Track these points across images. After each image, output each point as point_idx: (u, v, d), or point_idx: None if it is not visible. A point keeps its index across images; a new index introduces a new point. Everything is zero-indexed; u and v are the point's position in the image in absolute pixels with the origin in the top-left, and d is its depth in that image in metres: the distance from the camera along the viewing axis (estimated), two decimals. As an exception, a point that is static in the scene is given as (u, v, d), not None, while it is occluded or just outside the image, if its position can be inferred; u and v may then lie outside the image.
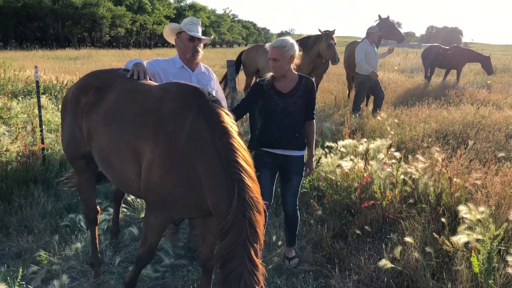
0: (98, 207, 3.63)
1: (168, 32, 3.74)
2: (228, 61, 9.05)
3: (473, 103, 9.94)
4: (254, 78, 10.39)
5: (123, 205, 4.65)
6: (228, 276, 2.20)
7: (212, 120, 2.51)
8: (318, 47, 9.28)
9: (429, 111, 8.74)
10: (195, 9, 75.00)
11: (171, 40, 3.76)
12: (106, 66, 20.74)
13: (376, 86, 8.85)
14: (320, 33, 9.32)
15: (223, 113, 2.58)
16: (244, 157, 2.47)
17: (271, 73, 3.60)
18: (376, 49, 8.93)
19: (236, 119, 3.39)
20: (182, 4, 75.44)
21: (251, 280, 2.20)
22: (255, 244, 2.28)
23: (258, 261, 2.27)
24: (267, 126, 3.56)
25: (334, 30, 9.77)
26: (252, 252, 2.25)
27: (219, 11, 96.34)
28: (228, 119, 2.58)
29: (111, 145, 2.86)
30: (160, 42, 65.69)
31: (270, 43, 3.53)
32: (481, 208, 3.51)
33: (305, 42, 9.37)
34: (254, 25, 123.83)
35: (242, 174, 2.38)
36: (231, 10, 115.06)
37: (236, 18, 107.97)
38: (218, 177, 2.38)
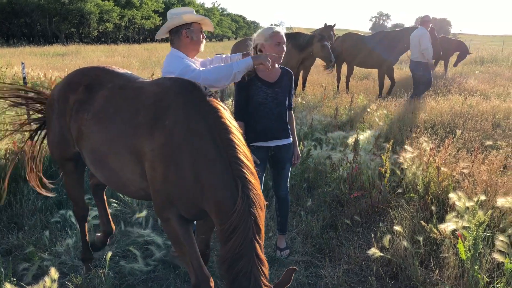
0: (86, 204, 3.62)
1: (174, 25, 3.23)
2: (217, 54, 9.02)
3: (461, 93, 10.03)
4: None
5: (113, 200, 4.65)
6: (237, 276, 2.19)
7: (211, 116, 2.45)
8: (311, 48, 9.34)
9: (418, 101, 8.80)
10: (184, 3, 74.33)
11: (164, 35, 3.37)
12: (94, 61, 20.61)
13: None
14: (314, 33, 9.44)
15: (221, 108, 2.52)
16: (245, 153, 2.43)
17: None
18: None
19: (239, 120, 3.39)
20: (171, -2, 74.91)
21: (260, 277, 2.21)
22: (260, 240, 2.28)
23: (264, 257, 2.27)
24: (258, 119, 3.50)
25: (335, 24, 9.88)
26: (258, 249, 2.25)
27: (208, 5, 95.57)
28: (227, 115, 2.52)
29: (107, 145, 2.76)
30: (149, 37, 65.14)
31: (266, 29, 3.43)
32: (475, 198, 3.56)
33: (298, 39, 9.38)
34: (244, 18, 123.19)
35: (244, 171, 2.34)
36: (220, 4, 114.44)
37: (225, 12, 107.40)
38: (220, 174, 2.34)
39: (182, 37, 3.23)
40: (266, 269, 2.26)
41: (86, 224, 3.62)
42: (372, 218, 4.36)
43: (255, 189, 2.34)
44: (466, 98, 9.03)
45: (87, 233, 3.61)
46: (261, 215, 2.34)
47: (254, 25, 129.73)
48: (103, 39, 55.98)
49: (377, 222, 4.24)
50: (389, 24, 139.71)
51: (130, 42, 54.50)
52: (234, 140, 2.41)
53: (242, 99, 3.50)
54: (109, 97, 2.87)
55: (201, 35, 3.31)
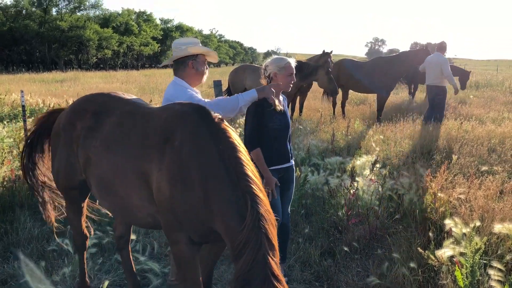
0: (87, 232, 3.61)
1: (183, 54, 3.29)
2: (214, 81, 9.15)
3: (456, 118, 10.11)
4: None
5: (108, 228, 4.62)
6: None
7: (219, 136, 2.48)
8: (315, 78, 9.56)
9: (414, 126, 8.87)
10: (182, 30, 75.62)
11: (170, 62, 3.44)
12: (93, 88, 20.77)
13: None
14: (318, 63, 9.72)
15: (230, 129, 2.56)
16: (253, 171, 2.43)
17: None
18: None
19: (253, 149, 3.48)
20: (169, 25, 76.02)
21: None
22: (274, 258, 2.17)
23: (281, 275, 2.14)
24: (273, 144, 3.65)
25: (331, 51, 10.15)
26: (273, 265, 2.13)
27: (206, 32, 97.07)
28: (235, 135, 2.55)
29: (114, 171, 2.75)
30: (147, 63, 65.95)
31: (279, 59, 3.64)
32: (471, 224, 3.58)
33: (303, 69, 9.62)
34: (241, 44, 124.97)
35: (253, 186, 2.32)
36: (217, 31, 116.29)
37: (223, 38, 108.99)
38: (228, 190, 2.32)
39: (188, 68, 3.30)
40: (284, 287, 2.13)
41: (85, 252, 3.60)
42: (370, 245, 4.35)
43: (265, 205, 2.30)
44: (461, 123, 9.11)
45: (85, 262, 3.59)
46: (273, 232, 2.26)
47: (251, 51, 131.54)
48: (101, 66, 56.57)
49: (375, 248, 4.23)
50: (384, 49, 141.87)
51: (129, 68, 55.05)
52: (242, 158, 2.42)
53: (256, 127, 3.58)
54: (118, 123, 2.88)
55: (205, 67, 3.39)
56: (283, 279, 2.13)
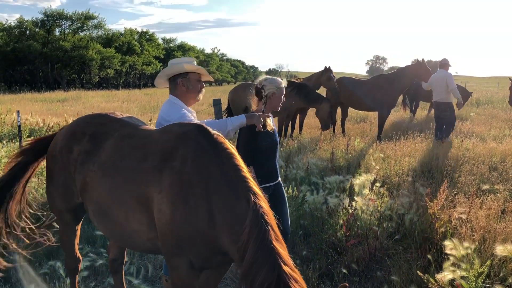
0: (79, 255, 3.53)
1: (169, 74, 3.34)
2: (214, 100, 9.12)
3: (457, 135, 10.04)
4: None
5: (102, 250, 4.54)
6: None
7: (219, 152, 2.46)
8: (319, 106, 9.90)
9: (414, 144, 8.80)
10: (184, 49, 76.24)
11: (163, 84, 3.46)
12: (94, 107, 20.83)
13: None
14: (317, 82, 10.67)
15: (228, 143, 2.55)
16: (253, 180, 2.41)
17: (255, 110, 3.76)
18: None
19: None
20: (171, 44, 76.73)
21: (293, 284, 1.94)
22: (282, 248, 2.08)
23: (292, 264, 2.04)
24: (265, 161, 3.74)
25: (329, 67, 10.58)
26: (283, 254, 2.04)
27: (208, 51, 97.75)
28: (234, 150, 2.54)
29: (112, 196, 2.70)
30: (149, 82, 66.26)
31: (276, 80, 3.75)
32: (466, 244, 3.48)
33: (310, 93, 9.98)
34: (243, 63, 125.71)
35: (254, 186, 2.32)
36: (219, 50, 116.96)
37: (224, 57, 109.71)
38: (232, 201, 2.28)
39: (178, 86, 3.31)
40: (298, 276, 2.01)
41: (77, 276, 3.52)
42: (369, 267, 4.24)
43: (266, 205, 2.27)
44: (462, 140, 9.04)
45: (77, 286, 3.50)
46: (277, 230, 2.18)
47: (253, 70, 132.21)
48: (104, 85, 56.93)
49: (374, 270, 4.12)
50: (385, 67, 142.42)
51: (131, 87, 55.42)
52: (240, 164, 2.42)
53: (249, 145, 3.65)
54: (116, 146, 2.83)
55: (199, 85, 3.36)
56: (292, 264, 2.04)
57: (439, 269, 3.60)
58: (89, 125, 3.08)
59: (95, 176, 2.80)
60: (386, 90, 10.67)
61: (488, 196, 5.09)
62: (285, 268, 1.99)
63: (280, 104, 3.76)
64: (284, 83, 3.77)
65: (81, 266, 3.64)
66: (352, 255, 4.36)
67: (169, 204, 2.40)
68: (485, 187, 5.23)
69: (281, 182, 3.95)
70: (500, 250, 3.39)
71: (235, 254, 2.21)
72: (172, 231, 2.41)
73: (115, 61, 57.05)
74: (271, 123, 3.73)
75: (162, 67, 64.95)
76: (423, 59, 10.69)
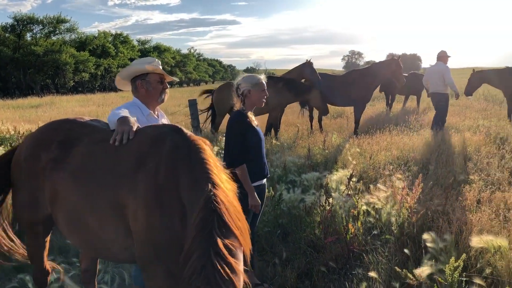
0: (49, 267, 3.38)
1: (128, 75, 3.24)
2: (190, 100, 9.02)
3: (432, 126, 10.11)
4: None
5: (75, 259, 4.39)
6: (191, 276, 1.90)
7: (189, 149, 2.38)
8: (309, 96, 9.95)
9: (390, 138, 8.82)
10: (160, 50, 75.48)
11: (126, 87, 3.35)
12: (69, 112, 20.43)
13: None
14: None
15: (203, 144, 2.45)
16: (219, 174, 2.32)
17: (237, 107, 3.80)
18: None
19: (239, 165, 3.54)
20: (146, 46, 75.86)
21: (217, 277, 1.86)
22: (224, 239, 2.00)
23: (228, 255, 1.96)
24: (256, 158, 3.76)
25: (310, 59, 11.02)
26: (220, 244, 1.96)
27: (184, 51, 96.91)
28: (210, 152, 2.44)
29: (85, 203, 2.57)
30: (125, 84, 65.48)
31: (251, 76, 3.79)
32: (446, 236, 3.47)
33: (297, 86, 10.01)
34: (220, 62, 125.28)
35: (212, 175, 2.23)
36: (196, 50, 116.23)
37: (201, 57, 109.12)
38: (196, 195, 2.18)
39: (138, 88, 3.20)
40: (233, 273, 1.91)
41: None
42: (348, 264, 4.20)
43: (224, 194, 2.18)
44: (437, 132, 9.10)
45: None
46: (230, 215, 2.10)
47: (230, 69, 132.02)
48: (79, 89, 56.01)
49: (353, 267, 4.08)
50: (361, 62, 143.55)
51: (107, 91, 54.62)
52: (207, 158, 2.33)
53: (240, 142, 3.66)
54: (87, 152, 2.71)
55: (160, 86, 3.24)
56: (234, 262, 1.95)
57: (418, 262, 3.58)
58: (57, 132, 2.94)
59: (65, 184, 2.68)
60: (361, 85, 10.70)
61: (464, 187, 5.10)
62: (214, 258, 1.93)
63: (263, 100, 3.76)
64: (263, 79, 3.77)
65: (50, 278, 3.50)
66: (331, 253, 4.32)
67: (144, 209, 2.30)
68: (461, 177, 5.24)
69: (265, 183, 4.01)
70: (476, 241, 3.39)
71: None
72: (148, 237, 2.31)
73: (89, 65, 56.11)
74: (254, 118, 3.79)
75: (138, 69, 64.42)
76: (398, 56, 10.78)
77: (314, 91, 9.76)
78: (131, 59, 64.98)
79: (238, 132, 3.66)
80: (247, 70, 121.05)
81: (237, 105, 3.83)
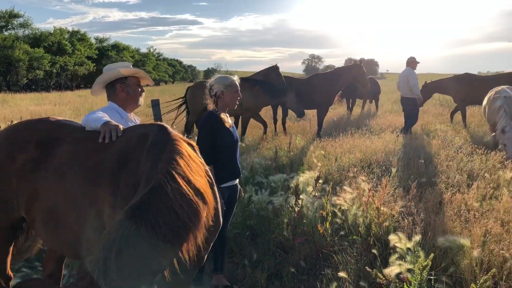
0: (11, 273, 3.24)
1: (109, 79, 3.16)
2: (152, 100, 8.89)
3: (393, 131, 10.42)
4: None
5: (37, 263, 4.23)
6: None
7: (167, 145, 2.32)
8: (285, 99, 10.03)
9: (353, 141, 9.02)
10: (118, 49, 73.79)
11: (100, 92, 3.28)
12: (23, 110, 19.62)
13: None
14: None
15: (184, 142, 2.42)
16: (193, 163, 2.29)
17: (210, 108, 3.80)
18: None
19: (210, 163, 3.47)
20: (105, 44, 74.01)
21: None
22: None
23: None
24: (229, 159, 3.79)
25: (277, 64, 10.89)
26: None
27: (143, 50, 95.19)
28: (190, 150, 2.41)
29: (66, 201, 2.51)
30: (82, 83, 63.68)
31: (224, 78, 3.77)
32: (416, 237, 3.58)
33: (273, 88, 10.06)
34: (180, 62, 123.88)
35: (172, 169, 2.14)
36: (155, 49, 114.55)
37: (161, 57, 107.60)
38: None
39: (118, 91, 3.16)
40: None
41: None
42: (317, 264, 4.26)
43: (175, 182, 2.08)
44: (398, 136, 9.38)
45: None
46: (187, 186, 2.06)
47: (191, 69, 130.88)
48: (33, 87, 53.99)
49: (322, 268, 4.14)
50: (321, 66, 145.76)
51: (63, 89, 52.90)
52: (179, 145, 2.29)
53: (210, 144, 3.66)
54: (70, 151, 2.64)
55: (139, 89, 3.24)
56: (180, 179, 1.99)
57: (385, 262, 3.68)
58: (33, 131, 2.84)
59: (47, 183, 2.61)
60: (324, 88, 10.88)
61: (426, 189, 5.28)
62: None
63: (236, 101, 3.78)
64: (236, 80, 3.78)
65: (12, 283, 3.36)
66: (300, 254, 4.37)
67: (122, 209, 2.21)
68: (423, 180, 5.43)
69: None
70: (442, 241, 3.52)
71: None
72: None
73: (44, 62, 54.10)
74: (228, 120, 3.81)
75: (95, 67, 62.70)
76: (360, 61, 11.05)
77: (290, 93, 9.86)
78: (89, 58, 63.38)
79: (208, 133, 3.67)
80: (207, 71, 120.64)
81: (210, 106, 3.83)
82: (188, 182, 2.11)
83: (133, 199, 1.99)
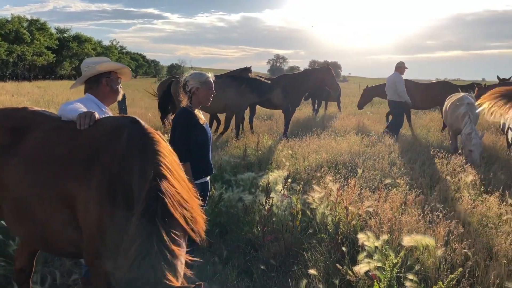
0: None
1: (97, 71, 3.13)
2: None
3: (357, 132, 10.66)
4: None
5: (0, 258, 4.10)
6: (134, 260, 1.89)
7: (144, 141, 2.35)
8: (271, 95, 10.11)
9: (319, 141, 9.18)
10: (80, 41, 71.65)
11: (77, 85, 3.26)
12: (-23, 100, 18.79)
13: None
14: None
15: (159, 137, 2.44)
16: (172, 161, 2.34)
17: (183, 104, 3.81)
18: None
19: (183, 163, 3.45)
20: (66, 35, 71.76)
21: (161, 263, 1.88)
22: (168, 227, 2.01)
23: (174, 246, 1.98)
24: (203, 156, 3.81)
25: (251, 66, 11.43)
26: (163, 232, 1.97)
27: (106, 43, 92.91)
28: (165, 144, 2.44)
29: (34, 192, 2.47)
30: (40, 74, 61.56)
31: (199, 74, 3.77)
32: (385, 236, 3.70)
33: (260, 86, 10.10)
34: (144, 57, 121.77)
35: (161, 166, 2.20)
36: (118, 42, 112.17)
37: (124, 50, 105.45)
38: (143, 187, 2.15)
39: (102, 86, 3.18)
40: (175, 260, 1.95)
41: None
42: (286, 262, 4.32)
43: (172, 184, 2.16)
44: (363, 137, 9.61)
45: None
46: (175, 204, 2.10)
47: (154, 64, 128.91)
48: (-13, 76, 51.74)
49: (291, 265, 4.21)
50: (285, 66, 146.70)
51: (20, 79, 50.94)
52: (161, 150, 2.31)
53: (184, 140, 3.67)
54: (41, 139, 2.62)
55: (119, 85, 3.28)
56: (174, 246, 1.98)
57: (353, 260, 3.78)
58: (7, 118, 2.83)
59: (16, 171, 2.57)
60: (292, 89, 11.00)
61: (390, 190, 5.45)
62: (163, 248, 1.94)
63: (210, 98, 3.78)
64: (211, 77, 3.80)
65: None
66: (270, 251, 4.42)
67: (96, 203, 2.26)
68: (387, 181, 5.59)
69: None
70: (407, 240, 3.65)
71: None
72: (98, 232, 2.26)
73: (0, 50, 52.04)
74: (202, 116, 3.84)
75: (55, 59, 60.76)
76: (327, 63, 11.28)
77: (276, 89, 9.93)
78: (49, 48, 61.27)
79: (184, 129, 3.67)
80: (171, 67, 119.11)
81: (184, 102, 3.82)
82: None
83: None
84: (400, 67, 10.82)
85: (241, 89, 9.78)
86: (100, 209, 2.24)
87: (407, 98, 10.77)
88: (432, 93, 11.96)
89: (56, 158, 2.48)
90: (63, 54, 65.34)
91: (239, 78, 10.41)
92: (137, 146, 2.34)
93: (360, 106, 14.88)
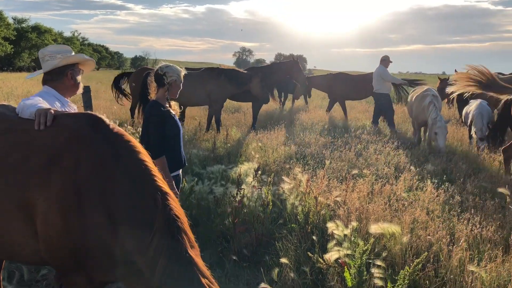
0: None
1: (65, 63, 2.97)
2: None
3: (324, 125, 10.83)
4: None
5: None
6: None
7: (117, 145, 2.23)
8: (249, 86, 10.20)
9: (287, 134, 9.29)
10: (40, 31, 69.38)
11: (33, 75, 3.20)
12: None
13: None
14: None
15: (130, 137, 2.33)
16: (159, 174, 2.28)
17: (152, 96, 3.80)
18: None
19: (158, 157, 3.49)
20: (24, 25, 69.28)
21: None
22: (196, 258, 2.04)
23: (208, 273, 2.02)
24: (176, 149, 3.80)
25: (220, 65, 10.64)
26: (199, 263, 1.99)
27: (67, 34, 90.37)
28: (132, 138, 2.34)
29: None
30: (-3, 65, 59.32)
31: (177, 68, 3.76)
32: (354, 223, 3.81)
33: (238, 77, 10.14)
34: (106, 49, 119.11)
35: (163, 185, 2.18)
36: (80, 33, 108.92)
37: (86, 42, 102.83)
38: (133, 198, 2.08)
39: (66, 78, 3.00)
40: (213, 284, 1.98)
41: None
42: (258, 252, 4.39)
43: (177, 205, 2.19)
44: (329, 130, 9.78)
45: None
46: (191, 235, 2.12)
47: (117, 56, 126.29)
48: None
49: (263, 255, 4.28)
50: (251, 59, 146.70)
51: (-25, 71, 48.93)
52: (145, 158, 2.25)
53: (160, 134, 3.65)
54: None
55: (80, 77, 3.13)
56: (209, 274, 2.02)
57: (323, 249, 3.88)
58: None
59: None
60: (261, 81, 11.06)
61: (357, 180, 5.60)
62: (204, 281, 1.95)
63: (178, 93, 3.79)
64: (183, 72, 3.80)
65: None
66: (241, 242, 4.48)
67: (59, 213, 2.10)
68: (354, 171, 5.74)
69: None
70: (375, 228, 3.78)
71: (143, 266, 2.03)
72: (65, 243, 2.12)
73: (-46, 41, 49.79)
74: (176, 108, 3.87)
75: (13, 49, 58.58)
76: (297, 57, 11.38)
77: (255, 79, 9.98)
78: (6, 39, 58.99)
79: (159, 122, 3.64)
80: (135, 59, 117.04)
81: (153, 94, 3.79)
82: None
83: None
84: (385, 60, 11.22)
85: (219, 81, 9.81)
86: (66, 220, 2.10)
87: (400, 80, 11.38)
88: (366, 85, 12.31)
89: (9, 165, 2.29)
90: (22, 45, 63.13)
91: (216, 69, 10.43)
92: (108, 152, 2.21)
93: (296, 96, 15.57)
